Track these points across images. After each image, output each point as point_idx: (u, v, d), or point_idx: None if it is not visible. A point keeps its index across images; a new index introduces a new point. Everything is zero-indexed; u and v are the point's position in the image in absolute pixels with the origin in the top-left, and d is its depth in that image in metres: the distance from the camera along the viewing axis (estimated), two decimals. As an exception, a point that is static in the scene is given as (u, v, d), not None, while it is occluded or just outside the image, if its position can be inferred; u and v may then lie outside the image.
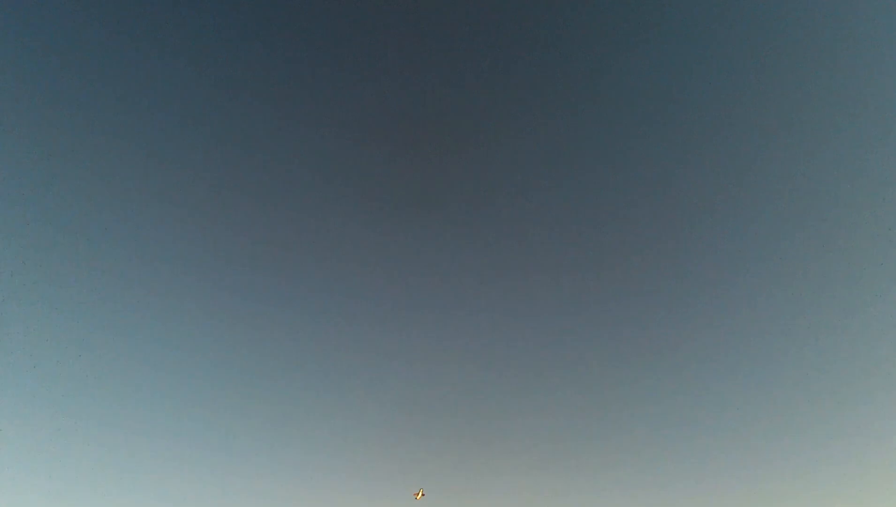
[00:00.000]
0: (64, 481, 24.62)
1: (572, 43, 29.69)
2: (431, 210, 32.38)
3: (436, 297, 32.39)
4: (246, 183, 31.42)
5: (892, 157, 25.50)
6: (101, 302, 28.26)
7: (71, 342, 26.79)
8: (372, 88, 31.24)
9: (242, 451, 28.87)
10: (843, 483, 25.83)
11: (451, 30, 30.13)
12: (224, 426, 29.18)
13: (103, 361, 27.24)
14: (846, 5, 26.21)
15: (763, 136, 28.46)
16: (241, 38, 30.03)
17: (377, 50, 30.76)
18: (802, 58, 27.89)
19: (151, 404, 27.95)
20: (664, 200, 30.11)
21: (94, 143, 28.77)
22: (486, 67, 30.41)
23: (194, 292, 30.25)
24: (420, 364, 31.87)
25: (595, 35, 29.47)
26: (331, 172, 32.15)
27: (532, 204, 31.93)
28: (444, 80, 31.09)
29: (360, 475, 29.23)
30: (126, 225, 28.98)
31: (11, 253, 25.89)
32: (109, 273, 28.81)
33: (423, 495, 19.09)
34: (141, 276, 29.39)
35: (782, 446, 27.44)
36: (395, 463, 29.30)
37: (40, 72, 27.51)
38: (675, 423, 29.38)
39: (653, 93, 29.12)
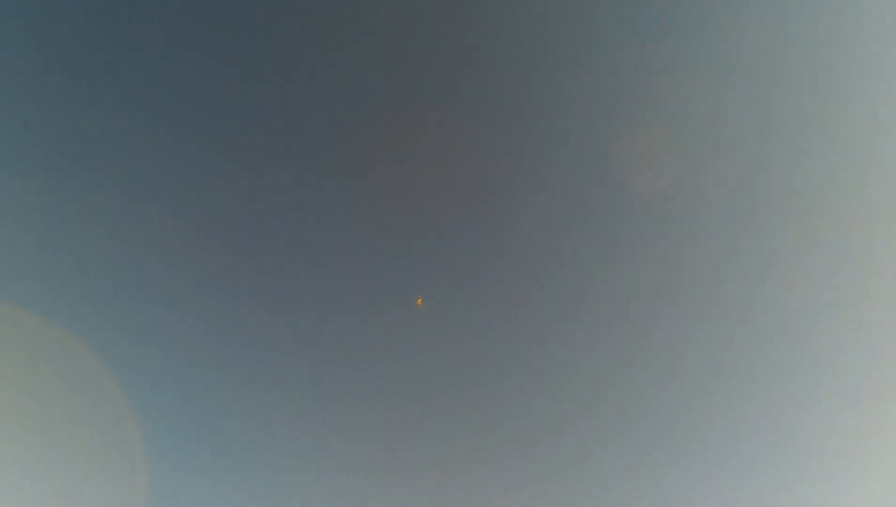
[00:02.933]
0: (63, 479, 24.64)
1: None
2: (433, 212, 32.42)
3: (436, 298, 32.39)
4: (245, 183, 31.43)
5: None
6: (100, 303, 28.26)
7: (70, 342, 26.78)
8: (371, 90, 31.26)
9: (239, 449, 28.81)
10: (843, 483, 25.79)
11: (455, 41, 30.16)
12: (221, 425, 29.13)
13: (102, 360, 27.25)
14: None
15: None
16: (242, 40, 30.06)
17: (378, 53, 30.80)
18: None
19: (150, 404, 27.93)
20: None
21: (94, 142, 28.79)
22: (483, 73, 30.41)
23: (194, 292, 30.23)
24: (419, 364, 31.83)
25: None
26: (330, 173, 32.18)
27: (532, 204, 31.94)
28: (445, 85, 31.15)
29: (359, 474, 29.19)
30: (123, 225, 28.99)
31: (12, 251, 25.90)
32: (108, 273, 28.83)
33: (421, 303, 24.50)
34: (140, 277, 29.38)
35: (780, 446, 27.42)
36: (393, 463, 29.23)
37: (40, 72, 27.55)
38: (673, 423, 29.34)
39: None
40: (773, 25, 27.02)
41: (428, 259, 31.58)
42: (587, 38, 28.91)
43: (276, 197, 31.08)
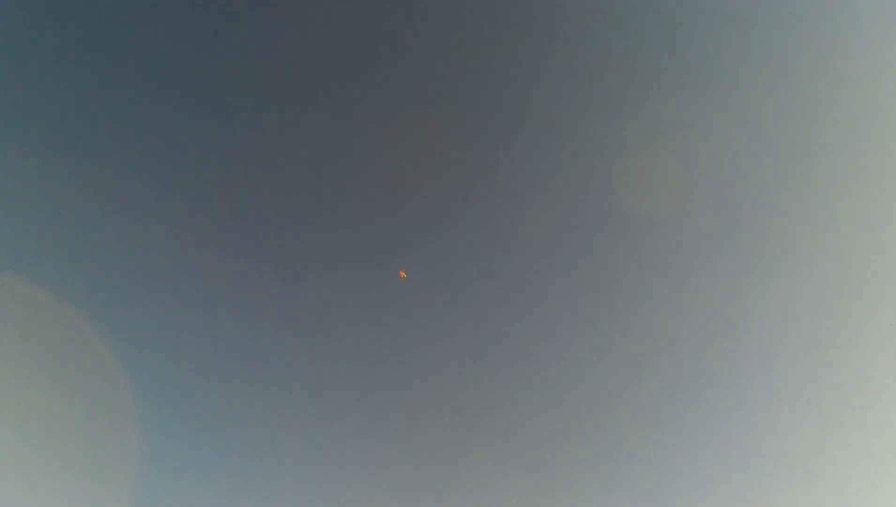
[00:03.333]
0: (62, 479, 24.75)
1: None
2: (432, 215, 32.45)
3: (437, 298, 32.47)
4: (245, 184, 31.49)
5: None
6: (101, 304, 28.34)
7: (70, 341, 26.86)
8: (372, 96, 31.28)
9: (240, 449, 28.92)
10: (844, 483, 25.82)
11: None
12: (221, 424, 29.23)
13: (102, 361, 27.34)
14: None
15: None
16: (241, 41, 30.08)
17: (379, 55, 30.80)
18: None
19: (150, 406, 28.04)
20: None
21: (95, 143, 28.85)
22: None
23: (195, 293, 30.30)
24: (419, 365, 31.91)
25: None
26: (330, 173, 32.24)
27: (532, 205, 31.96)
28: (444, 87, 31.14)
29: (360, 474, 29.29)
30: (123, 226, 29.06)
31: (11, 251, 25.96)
32: (109, 274, 28.90)
33: (405, 275, 25.19)
34: (140, 277, 29.46)
35: (780, 446, 27.47)
36: (393, 463, 29.33)
37: (40, 72, 27.58)
38: (673, 424, 29.39)
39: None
40: (778, 33, 26.98)
41: (427, 261, 31.64)
42: (591, 42, 28.91)
43: (275, 196, 31.14)
